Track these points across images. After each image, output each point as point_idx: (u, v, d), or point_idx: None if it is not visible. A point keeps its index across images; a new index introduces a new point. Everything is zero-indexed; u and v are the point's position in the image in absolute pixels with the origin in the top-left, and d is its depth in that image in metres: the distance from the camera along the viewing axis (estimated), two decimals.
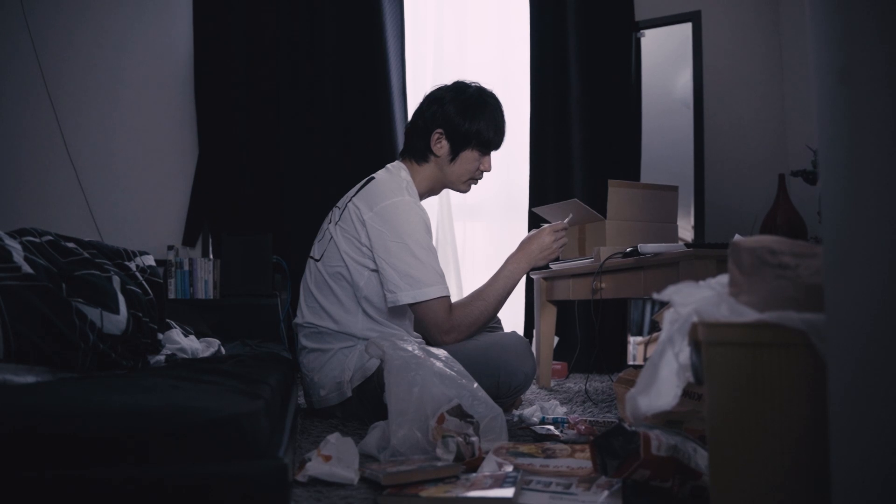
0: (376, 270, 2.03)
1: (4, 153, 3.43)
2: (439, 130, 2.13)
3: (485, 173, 2.24)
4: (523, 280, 3.47)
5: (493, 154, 2.23)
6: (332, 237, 2.10)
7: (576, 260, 2.55)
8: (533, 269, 2.31)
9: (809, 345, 0.85)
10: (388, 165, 2.21)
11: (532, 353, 2.21)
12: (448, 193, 3.56)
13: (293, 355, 2.26)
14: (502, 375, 2.06)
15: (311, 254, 2.19)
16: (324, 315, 2.08)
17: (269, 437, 1.14)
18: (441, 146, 2.14)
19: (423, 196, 2.21)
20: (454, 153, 2.15)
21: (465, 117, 2.12)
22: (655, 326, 3.27)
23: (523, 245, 2.20)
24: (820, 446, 0.80)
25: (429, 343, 2.03)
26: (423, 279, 1.98)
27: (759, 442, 0.89)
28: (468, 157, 2.16)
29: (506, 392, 2.11)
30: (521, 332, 3.44)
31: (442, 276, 2.04)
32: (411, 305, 2.01)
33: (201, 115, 3.55)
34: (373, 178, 2.16)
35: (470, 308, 2.08)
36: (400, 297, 1.98)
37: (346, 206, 2.12)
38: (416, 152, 2.18)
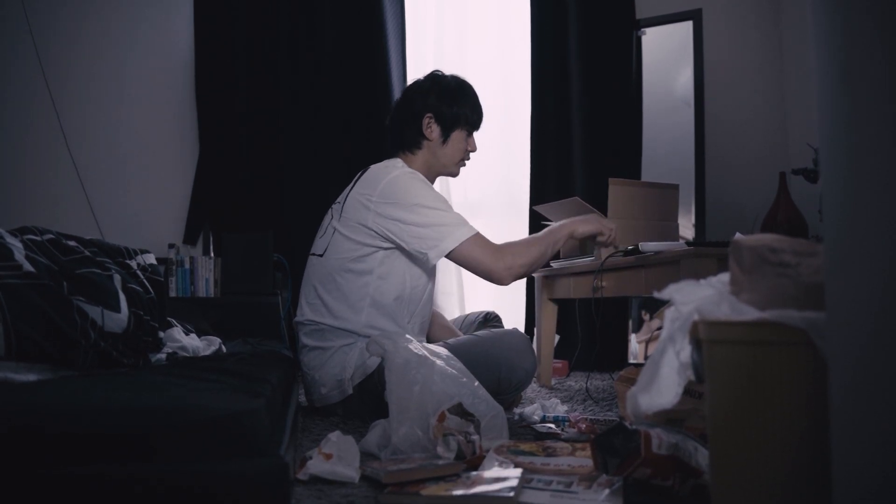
0: (390, 248, 2.05)
1: (6, 152, 3.43)
2: (429, 115, 2.20)
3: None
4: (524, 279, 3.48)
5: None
6: (335, 230, 2.11)
7: (577, 258, 2.55)
8: (574, 236, 2.21)
9: (810, 343, 0.85)
10: (384, 161, 2.23)
11: (532, 350, 2.21)
12: (448, 191, 3.56)
13: (294, 353, 2.27)
14: (503, 372, 2.07)
15: (313, 251, 2.19)
16: (324, 311, 2.08)
17: (270, 436, 1.14)
18: (432, 130, 2.21)
19: None
20: (445, 135, 2.21)
21: (451, 102, 2.21)
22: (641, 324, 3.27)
23: (574, 219, 2.21)
24: (820, 444, 0.80)
25: (491, 282, 2.07)
26: (451, 223, 2.02)
27: (759, 440, 0.89)
28: (458, 137, 2.23)
29: (507, 388, 2.12)
30: (522, 330, 3.44)
31: (464, 220, 2.07)
32: (455, 252, 2.02)
33: (202, 114, 3.55)
34: (367, 168, 2.19)
35: (516, 244, 2.10)
36: (442, 246, 2.01)
37: (345, 199, 2.15)
38: (409, 141, 2.23)
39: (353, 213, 2.08)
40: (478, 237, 2.04)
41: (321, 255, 2.14)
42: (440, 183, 3.51)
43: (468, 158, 2.30)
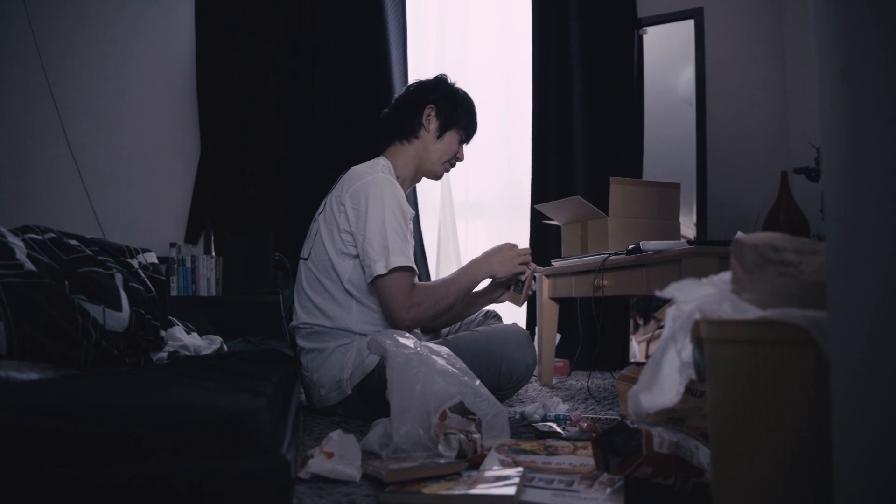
0: (357, 256, 2.04)
1: (8, 151, 3.44)
2: (431, 106, 2.23)
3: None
4: None
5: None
6: (317, 232, 2.12)
7: (578, 257, 2.55)
8: (493, 278, 2.21)
9: (812, 342, 0.85)
10: (365, 162, 2.22)
11: (532, 345, 2.22)
12: (450, 192, 3.56)
13: (295, 353, 2.27)
14: (503, 367, 2.08)
15: (301, 255, 2.20)
16: (318, 313, 2.08)
17: (272, 435, 1.14)
18: (430, 121, 2.23)
19: (402, 184, 2.21)
20: (441, 131, 2.23)
21: (454, 104, 2.25)
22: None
23: (488, 254, 2.18)
24: (822, 443, 0.80)
25: (390, 324, 2.03)
26: (392, 249, 1.98)
27: (761, 439, 0.89)
28: (452, 137, 2.24)
29: (507, 383, 2.13)
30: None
31: (409, 254, 2.03)
32: (378, 279, 1.99)
33: (203, 113, 3.55)
34: (348, 169, 2.19)
35: (434, 290, 2.06)
36: (374, 268, 1.97)
37: (326, 199, 2.16)
38: (405, 130, 2.24)
39: (330, 214, 2.09)
40: (406, 274, 1.99)
41: (307, 259, 2.14)
42: (439, 184, 3.51)
43: (453, 164, 2.31)
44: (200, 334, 2.24)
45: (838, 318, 0.74)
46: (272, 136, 3.52)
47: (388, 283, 1.98)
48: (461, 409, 1.50)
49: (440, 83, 2.28)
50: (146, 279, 1.89)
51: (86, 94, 3.52)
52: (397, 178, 2.17)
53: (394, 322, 2.01)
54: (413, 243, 2.14)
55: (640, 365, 2.21)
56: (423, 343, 1.70)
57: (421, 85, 2.30)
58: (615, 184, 2.46)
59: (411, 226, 2.15)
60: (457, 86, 2.31)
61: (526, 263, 2.18)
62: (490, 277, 2.16)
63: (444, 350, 1.70)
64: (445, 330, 2.42)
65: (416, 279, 2.05)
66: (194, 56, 3.57)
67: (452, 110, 2.24)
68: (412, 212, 2.16)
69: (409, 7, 3.60)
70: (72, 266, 1.63)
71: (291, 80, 3.52)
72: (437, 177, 2.32)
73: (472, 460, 1.37)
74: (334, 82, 3.52)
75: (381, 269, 1.96)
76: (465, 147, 2.31)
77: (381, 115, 2.34)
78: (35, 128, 3.46)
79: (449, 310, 2.10)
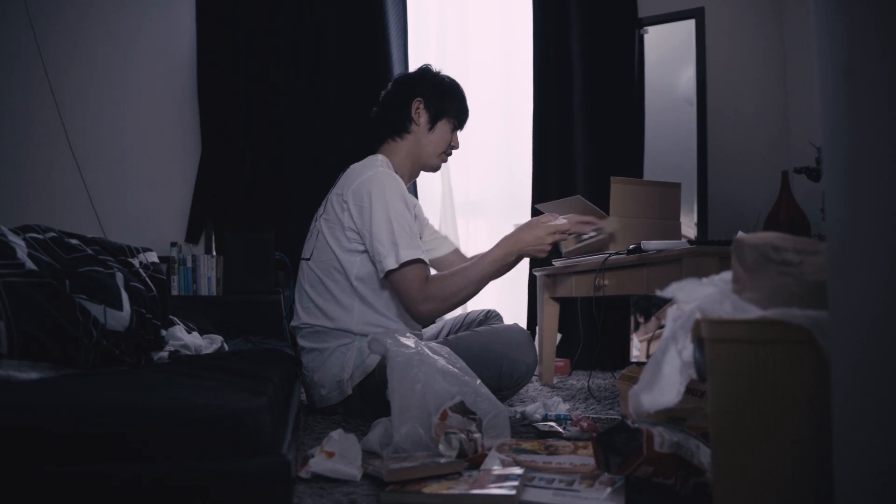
0: (366, 251, 2.04)
1: (8, 150, 3.43)
2: (419, 99, 2.22)
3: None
4: (525, 276, 3.47)
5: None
6: (319, 231, 2.12)
7: (579, 257, 2.54)
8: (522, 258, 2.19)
9: (813, 341, 0.85)
10: (363, 160, 2.22)
11: (533, 345, 2.22)
12: (451, 190, 3.56)
13: (295, 352, 2.27)
14: (504, 367, 2.08)
15: (303, 255, 2.20)
16: (318, 314, 2.08)
17: (272, 434, 1.14)
18: (420, 115, 2.23)
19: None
20: (432, 122, 2.23)
21: (441, 94, 2.24)
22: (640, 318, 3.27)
23: (518, 231, 2.14)
24: (823, 443, 0.80)
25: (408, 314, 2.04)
26: (401, 243, 1.98)
27: (762, 438, 0.89)
28: (444, 127, 2.24)
29: (508, 384, 2.13)
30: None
31: (417, 245, 2.03)
32: (390, 274, 1.99)
33: (204, 112, 3.55)
34: (347, 167, 2.19)
35: (448, 281, 2.05)
36: (385, 263, 1.98)
37: (327, 199, 2.16)
38: (396, 126, 2.24)
39: (332, 213, 2.08)
40: (417, 267, 1.99)
41: (308, 259, 2.14)
42: (440, 183, 3.51)
43: (450, 153, 2.31)
44: (201, 334, 2.24)
45: (839, 318, 0.74)
46: (272, 135, 3.52)
47: (401, 278, 1.99)
48: (462, 409, 1.50)
49: (424, 74, 2.27)
50: (147, 278, 1.89)
51: (87, 93, 3.52)
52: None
53: (411, 315, 2.03)
54: (422, 229, 2.13)
55: (640, 365, 2.21)
56: (423, 343, 1.70)
57: (406, 79, 2.30)
58: (616, 183, 2.46)
59: (418, 212, 2.14)
60: (442, 73, 2.29)
61: (562, 233, 2.12)
62: (519, 257, 2.12)
63: (445, 350, 1.70)
64: (447, 329, 2.42)
65: (430, 270, 2.05)
66: (195, 56, 3.57)
67: (440, 100, 2.23)
68: (416, 201, 2.16)
69: (409, 7, 3.60)
70: (73, 265, 1.63)
71: (292, 80, 3.52)
72: (435, 169, 2.32)
73: (472, 460, 1.37)
74: (335, 82, 3.52)
75: (392, 265, 1.97)
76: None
77: (370, 114, 2.33)
78: (36, 127, 3.46)
79: (472, 297, 2.09)
